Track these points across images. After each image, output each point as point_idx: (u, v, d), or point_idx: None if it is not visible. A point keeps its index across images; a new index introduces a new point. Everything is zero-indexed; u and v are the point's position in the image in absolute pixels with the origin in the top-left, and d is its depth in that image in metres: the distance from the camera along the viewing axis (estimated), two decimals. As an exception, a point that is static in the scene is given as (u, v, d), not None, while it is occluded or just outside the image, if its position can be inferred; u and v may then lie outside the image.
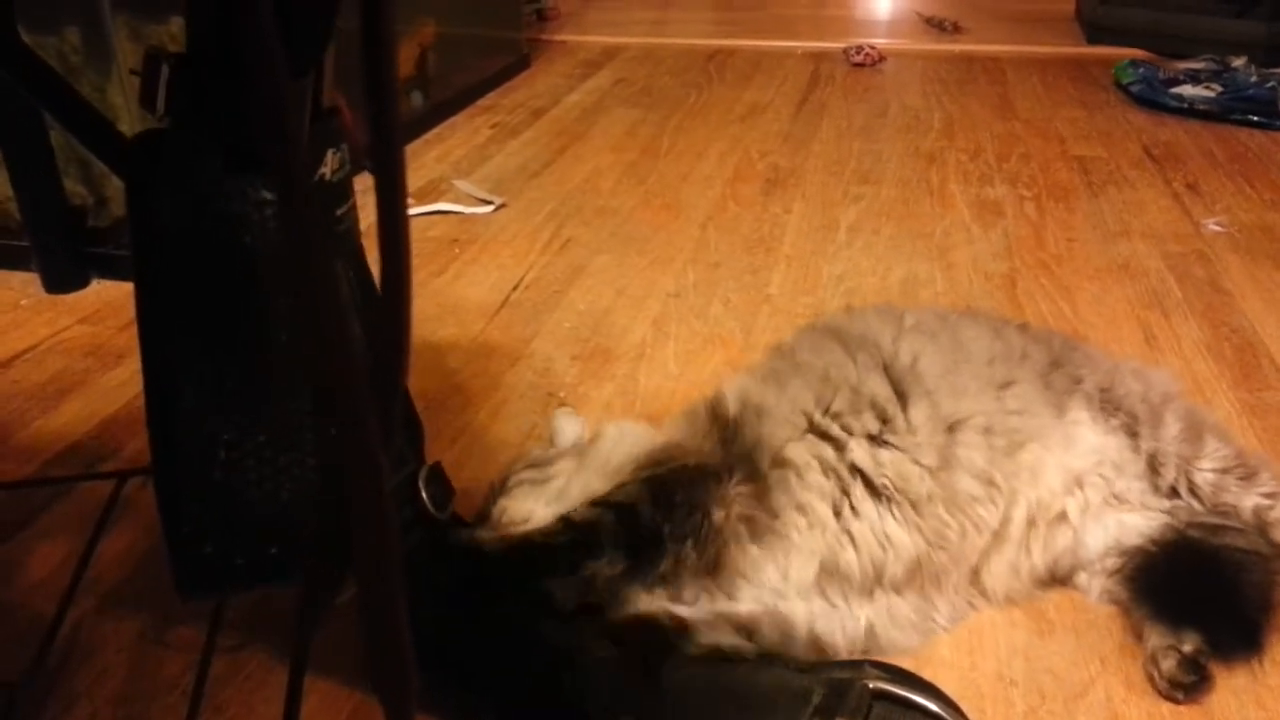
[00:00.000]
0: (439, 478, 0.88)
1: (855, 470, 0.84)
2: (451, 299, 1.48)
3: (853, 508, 0.82)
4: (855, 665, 0.78)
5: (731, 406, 0.90)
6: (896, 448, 0.84)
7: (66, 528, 0.98)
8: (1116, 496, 0.90)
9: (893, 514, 0.82)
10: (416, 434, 0.90)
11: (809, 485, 0.83)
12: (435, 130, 2.24)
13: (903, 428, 0.85)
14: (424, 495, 0.83)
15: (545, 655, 0.79)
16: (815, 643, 0.80)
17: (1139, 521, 0.89)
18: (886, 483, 0.83)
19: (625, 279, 1.53)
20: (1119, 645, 0.84)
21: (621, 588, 0.80)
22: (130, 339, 1.35)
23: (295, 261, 0.48)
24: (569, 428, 1.02)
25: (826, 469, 0.84)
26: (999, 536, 0.87)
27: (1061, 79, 2.61)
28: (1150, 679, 0.80)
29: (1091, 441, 0.90)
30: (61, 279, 1.50)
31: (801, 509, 0.82)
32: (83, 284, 1.50)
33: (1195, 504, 0.91)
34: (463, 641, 0.79)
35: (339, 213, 0.66)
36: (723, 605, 0.81)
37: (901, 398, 0.87)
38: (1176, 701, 0.79)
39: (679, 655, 0.77)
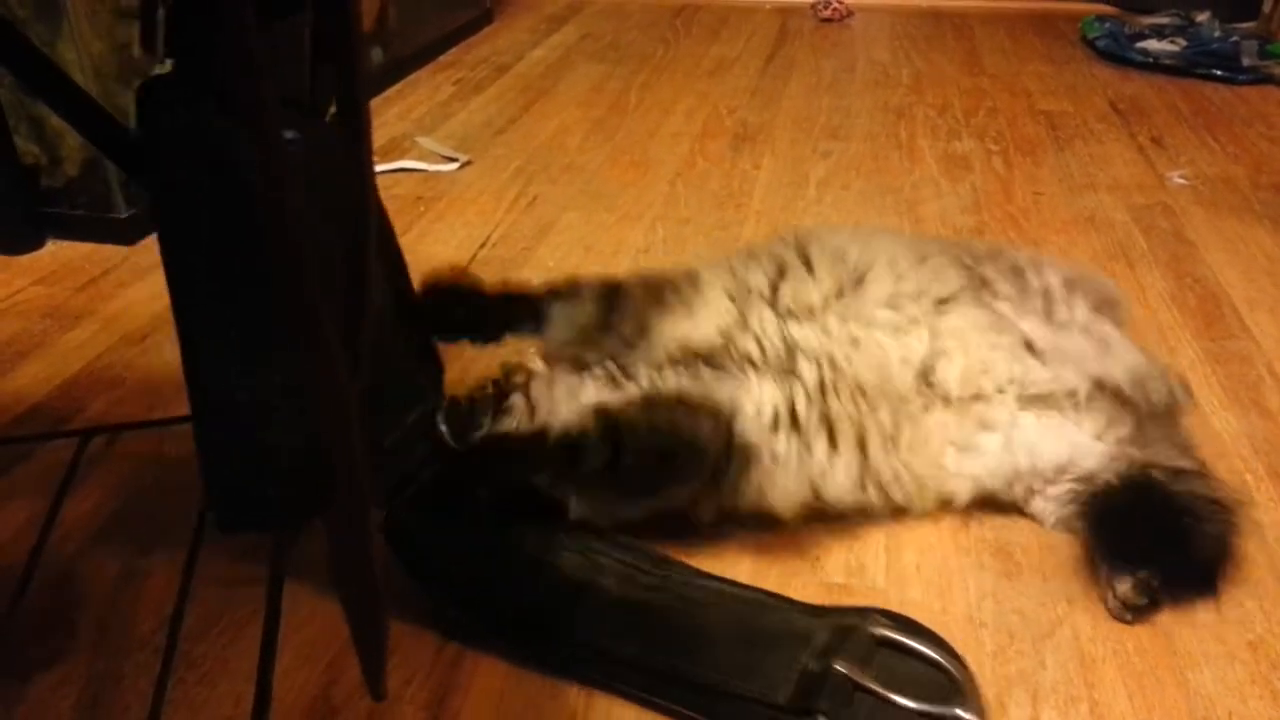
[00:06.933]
0: (458, 412, 0.91)
1: (755, 290, 0.94)
2: (418, 257, 1.45)
3: (759, 320, 0.92)
4: (862, 612, 0.78)
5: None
6: (796, 281, 0.94)
7: (30, 490, 0.96)
8: (1039, 398, 0.92)
9: (794, 326, 0.91)
10: (438, 372, 0.93)
11: (719, 279, 0.95)
12: (396, 87, 2.19)
13: (802, 274, 0.94)
14: (442, 428, 0.87)
15: (552, 587, 0.80)
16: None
17: (1086, 442, 0.90)
18: (789, 305, 0.93)
19: (594, 236, 1.52)
20: (1085, 586, 0.86)
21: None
22: (88, 300, 1.33)
23: (266, 201, 0.47)
24: None
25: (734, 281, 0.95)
26: (932, 394, 0.90)
27: (1028, 34, 2.61)
28: (1103, 600, 0.82)
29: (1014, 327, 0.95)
30: (15, 240, 1.46)
31: (710, 290, 0.94)
32: (37, 245, 1.47)
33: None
34: (484, 571, 0.81)
35: None
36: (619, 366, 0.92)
37: (804, 258, 0.96)
38: (1126, 622, 0.81)
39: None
